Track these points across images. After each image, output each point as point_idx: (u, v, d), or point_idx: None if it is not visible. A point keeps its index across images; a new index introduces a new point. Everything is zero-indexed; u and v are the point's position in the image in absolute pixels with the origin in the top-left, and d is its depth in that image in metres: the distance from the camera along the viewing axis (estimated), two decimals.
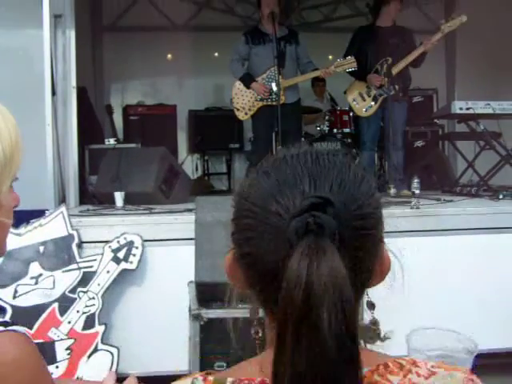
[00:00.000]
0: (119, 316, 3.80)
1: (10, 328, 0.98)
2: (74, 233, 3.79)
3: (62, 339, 3.58)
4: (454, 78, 8.27)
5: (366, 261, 0.82)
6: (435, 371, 0.81)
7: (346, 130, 6.72)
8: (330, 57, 6.79)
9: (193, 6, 8.57)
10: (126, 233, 3.79)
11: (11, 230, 1.16)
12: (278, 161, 0.87)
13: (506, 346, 3.93)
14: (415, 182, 4.57)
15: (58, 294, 3.66)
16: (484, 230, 4.12)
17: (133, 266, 3.75)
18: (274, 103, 5.46)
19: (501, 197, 4.75)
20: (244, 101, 5.72)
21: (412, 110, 6.65)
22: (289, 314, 0.72)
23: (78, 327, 3.62)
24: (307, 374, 0.70)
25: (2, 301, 3.60)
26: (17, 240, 3.65)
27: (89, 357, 3.58)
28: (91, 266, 3.72)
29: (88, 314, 3.64)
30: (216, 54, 8.58)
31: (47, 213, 3.93)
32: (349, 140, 6.57)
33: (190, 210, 4.12)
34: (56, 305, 3.64)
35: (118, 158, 5.15)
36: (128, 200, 4.67)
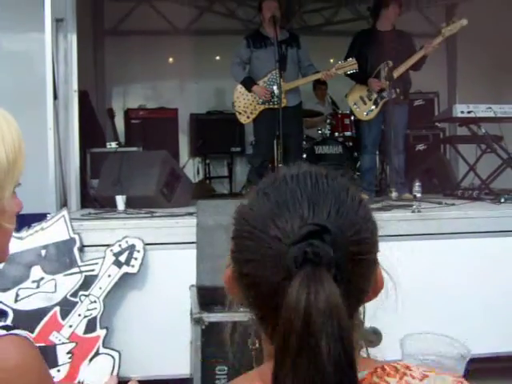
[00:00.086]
0: (121, 320, 3.80)
1: (12, 332, 0.97)
2: (76, 236, 3.79)
3: (63, 343, 3.57)
4: (456, 81, 8.29)
5: (360, 283, 0.85)
6: (427, 374, 0.85)
7: (348, 134, 6.72)
8: (331, 60, 6.79)
9: (194, 10, 8.58)
10: (128, 236, 3.79)
11: (13, 233, 1.16)
12: (277, 181, 0.89)
13: (509, 349, 3.92)
14: (417, 186, 4.57)
15: (59, 297, 3.66)
16: (486, 234, 4.11)
17: (134, 270, 3.75)
18: (276, 106, 5.47)
19: (502, 200, 4.75)
20: (246, 104, 5.72)
21: (413, 114, 6.65)
22: (288, 342, 0.75)
23: (80, 331, 3.62)
24: None
25: (4, 304, 3.60)
26: (18, 244, 3.65)
27: (90, 360, 3.58)
28: (93, 270, 3.72)
29: (89, 317, 3.64)
30: (217, 58, 8.59)
31: (49, 216, 3.93)
32: (350, 143, 6.57)
33: (191, 214, 4.11)
34: (57, 308, 3.64)
35: (120, 162, 5.15)
36: (129, 204, 4.67)
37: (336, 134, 6.71)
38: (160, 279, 3.83)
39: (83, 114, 5.10)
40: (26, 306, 3.62)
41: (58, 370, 3.49)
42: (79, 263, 3.73)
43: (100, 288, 3.69)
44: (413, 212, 4.23)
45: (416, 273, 3.86)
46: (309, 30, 8.34)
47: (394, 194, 5.22)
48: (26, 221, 3.74)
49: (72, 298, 3.66)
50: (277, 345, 0.77)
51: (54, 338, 3.57)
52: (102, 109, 7.95)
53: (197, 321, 3.00)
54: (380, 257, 0.90)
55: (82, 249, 3.81)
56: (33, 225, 3.80)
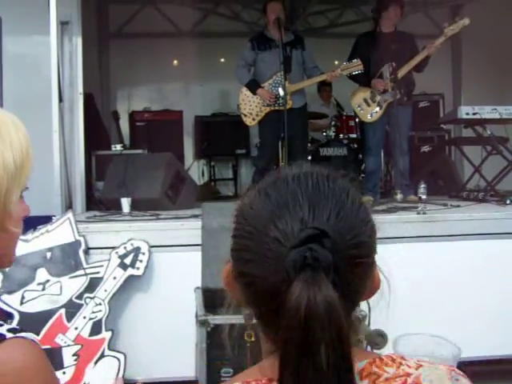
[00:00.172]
0: (126, 322, 3.80)
1: (19, 335, 0.98)
2: (81, 239, 3.80)
3: (68, 345, 3.58)
4: (461, 82, 8.27)
5: (357, 285, 0.86)
6: (422, 364, 0.88)
7: (353, 136, 6.72)
8: (336, 62, 6.78)
9: (199, 13, 8.58)
10: (133, 239, 3.80)
11: None
12: (279, 181, 0.89)
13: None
14: (422, 188, 4.57)
15: (64, 300, 3.66)
16: (491, 236, 4.10)
17: (139, 272, 3.75)
18: (282, 108, 5.47)
19: (508, 202, 4.73)
20: (251, 106, 5.72)
21: (418, 115, 6.64)
22: (289, 348, 0.76)
23: (85, 333, 3.62)
24: None
25: (10, 307, 3.61)
26: (24, 246, 3.66)
27: (96, 363, 3.58)
28: (98, 272, 3.72)
29: (95, 320, 3.64)
30: (222, 60, 8.60)
31: (54, 219, 3.94)
32: (355, 145, 6.57)
33: (196, 216, 4.12)
34: (63, 311, 3.64)
35: (125, 164, 5.16)
36: (134, 206, 4.67)
37: (341, 135, 6.71)
38: (165, 281, 3.84)
39: (88, 116, 5.12)
40: (31, 308, 3.63)
41: (64, 373, 3.50)
42: (84, 265, 3.74)
43: (105, 290, 3.69)
44: (418, 214, 4.22)
45: (421, 275, 3.86)
46: (313, 32, 8.33)
47: (399, 196, 5.22)
48: (31, 223, 3.75)
49: (77, 301, 3.67)
50: (280, 349, 0.78)
51: (60, 340, 3.58)
52: (107, 111, 7.97)
53: (202, 323, 3.00)
54: (377, 258, 0.90)
55: (87, 251, 3.82)
56: (38, 227, 3.81)
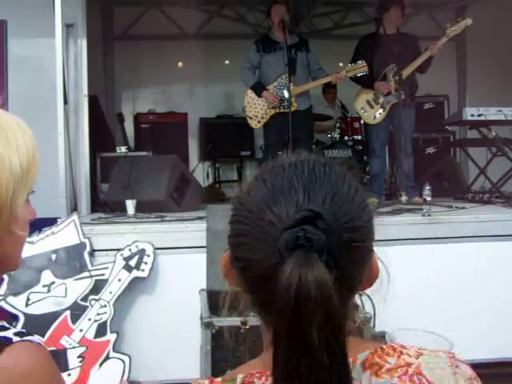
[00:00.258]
0: (131, 324, 3.80)
1: (25, 338, 0.98)
2: (86, 241, 3.81)
3: (74, 347, 3.58)
4: (465, 84, 8.26)
5: (353, 271, 0.85)
6: (422, 352, 0.89)
7: (357, 138, 6.72)
8: (341, 64, 6.79)
9: (203, 15, 8.60)
10: (138, 241, 3.80)
11: None
12: (276, 168, 0.90)
13: None
14: (427, 189, 4.55)
15: (69, 301, 3.67)
16: (496, 237, 4.09)
17: (144, 274, 3.75)
18: (287, 110, 5.47)
19: None
20: (256, 109, 5.73)
21: (423, 117, 6.64)
22: (281, 328, 0.76)
23: (90, 335, 3.62)
24: (302, 381, 0.76)
25: (15, 308, 3.62)
26: (29, 248, 3.67)
27: (100, 365, 3.58)
28: (103, 274, 3.73)
29: (100, 321, 3.65)
30: (227, 62, 8.60)
31: (59, 221, 3.95)
32: (360, 147, 6.56)
33: (201, 218, 4.12)
34: (68, 313, 3.65)
35: (130, 166, 5.16)
36: (139, 208, 4.68)
37: (345, 137, 6.72)
38: (170, 283, 3.84)
39: (93, 118, 5.12)
40: (36, 310, 3.64)
41: (69, 374, 3.50)
42: (89, 267, 3.75)
43: (110, 292, 3.69)
44: (423, 216, 4.21)
45: (426, 276, 3.86)
46: (318, 34, 8.33)
47: (403, 198, 5.20)
48: (36, 225, 3.75)
49: (82, 303, 3.67)
50: (273, 330, 0.78)
51: (65, 342, 3.58)
52: (112, 113, 7.98)
53: (207, 325, 3.00)
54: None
55: (92, 253, 3.82)
56: (43, 229, 3.82)
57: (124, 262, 3.75)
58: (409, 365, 0.86)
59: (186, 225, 4.09)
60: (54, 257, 3.75)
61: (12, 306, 3.63)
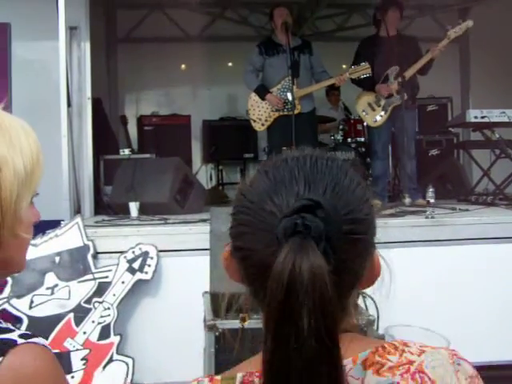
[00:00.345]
0: (134, 326, 3.80)
1: (30, 340, 0.98)
2: (90, 243, 3.81)
3: (77, 349, 3.59)
4: (469, 86, 8.25)
5: (353, 264, 0.85)
6: (424, 349, 0.88)
7: (360, 139, 6.71)
8: (344, 66, 6.78)
9: (206, 17, 8.61)
10: (141, 243, 3.81)
11: None
12: (279, 161, 0.91)
13: None
14: (430, 191, 4.55)
15: (73, 304, 3.67)
16: (500, 240, 4.08)
17: (148, 277, 3.76)
18: (290, 113, 5.47)
19: None
20: (260, 112, 5.73)
21: (426, 119, 6.63)
22: (271, 311, 0.76)
23: (94, 337, 3.63)
24: (291, 371, 0.75)
25: (19, 311, 3.62)
26: (33, 250, 3.67)
27: (104, 367, 3.58)
28: (106, 277, 3.73)
29: (103, 324, 3.65)
30: (230, 64, 8.62)
31: (63, 223, 3.95)
32: (363, 149, 6.55)
33: (204, 221, 4.12)
34: (71, 315, 3.65)
35: (133, 169, 5.17)
36: (143, 210, 4.68)
37: (348, 139, 6.70)
38: (173, 286, 3.84)
39: (96, 121, 5.13)
40: (40, 312, 3.64)
41: (73, 377, 3.50)
42: (93, 270, 3.75)
43: (114, 295, 3.70)
44: (426, 218, 4.20)
45: (429, 279, 3.85)
46: (321, 36, 8.34)
47: (407, 200, 5.20)
48: (40, 228, 3.75)
49: (86, 305, 3.68)
50: (264, 314, 0.79)
51: (68, 344, 3.59)
52: (115, 116, 7.99)
53: (210, 328, 2.99)
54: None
55: (95, 255, 3.83)
56: (47, 232, 3.82)
57: (127, 265, 3.75)
58: (411, 363, 0.86)
59: (190, 227, 4.09)
60: (57, 259, 3.75)
61: (16, 308, 3.63)
